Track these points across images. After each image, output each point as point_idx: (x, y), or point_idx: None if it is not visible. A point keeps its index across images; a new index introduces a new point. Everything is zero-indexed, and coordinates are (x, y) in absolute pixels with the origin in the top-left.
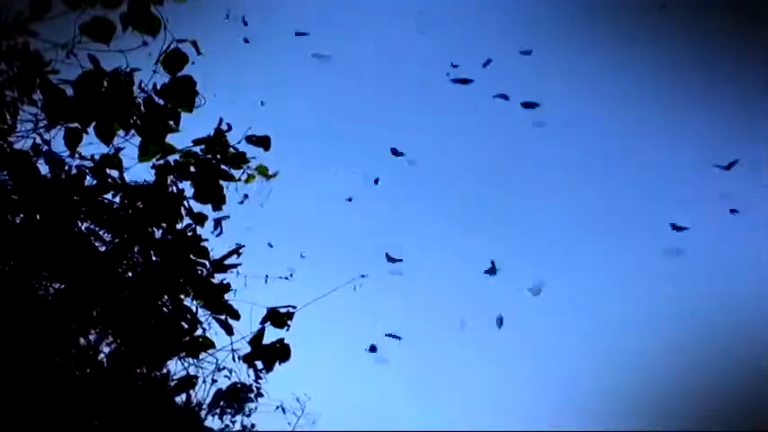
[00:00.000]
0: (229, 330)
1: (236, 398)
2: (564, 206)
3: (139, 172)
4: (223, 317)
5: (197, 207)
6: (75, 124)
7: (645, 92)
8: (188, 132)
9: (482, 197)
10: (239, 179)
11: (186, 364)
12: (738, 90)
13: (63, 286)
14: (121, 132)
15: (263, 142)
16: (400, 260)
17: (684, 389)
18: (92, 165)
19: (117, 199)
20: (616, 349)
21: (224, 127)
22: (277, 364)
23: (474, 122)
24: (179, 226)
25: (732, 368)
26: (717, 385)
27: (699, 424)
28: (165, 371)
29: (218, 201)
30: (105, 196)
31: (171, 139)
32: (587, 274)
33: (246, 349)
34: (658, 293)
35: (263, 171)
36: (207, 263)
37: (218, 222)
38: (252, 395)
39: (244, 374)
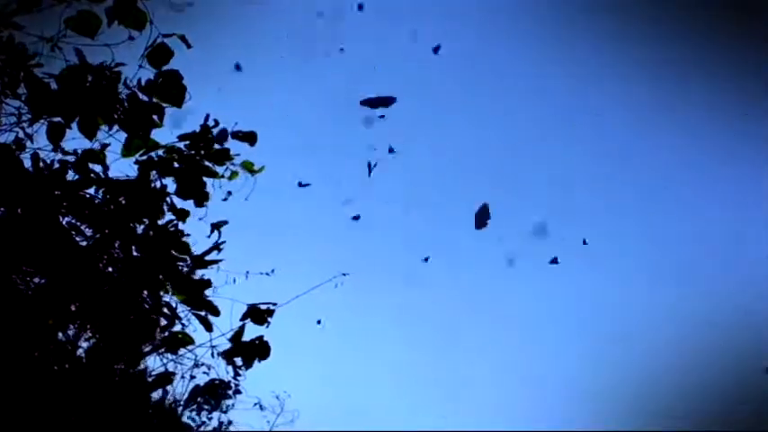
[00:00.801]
0: (208, 327)
1: (213, 394)
2: (563, 208)
3: (122, 167)
4: (203, 313)
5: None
6: (59, 118)
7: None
8: (173, 127)
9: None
10: (222, 176)
11: (165, 360)
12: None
13: (43, 281)
14: (106, 127)
15: (248, 138)
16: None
17: (684, 389)
18: (74, 159)
19: (99, 194)
20: (616, 349)
21: (210, 123)
22: (256, 361)
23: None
24: (161, 222)
25: (732, 368)
26: (717, 385)
27: (699, 424)
28: (143, 366)
29: (200, 197)
30: (87, 191)
31: (155, 133)
32: (586, 275)
33: (226, 345)
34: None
35: (248, 167)
36: (188, 258)
37: (215, 227)
38: (230, 392)
39: (222, 371)
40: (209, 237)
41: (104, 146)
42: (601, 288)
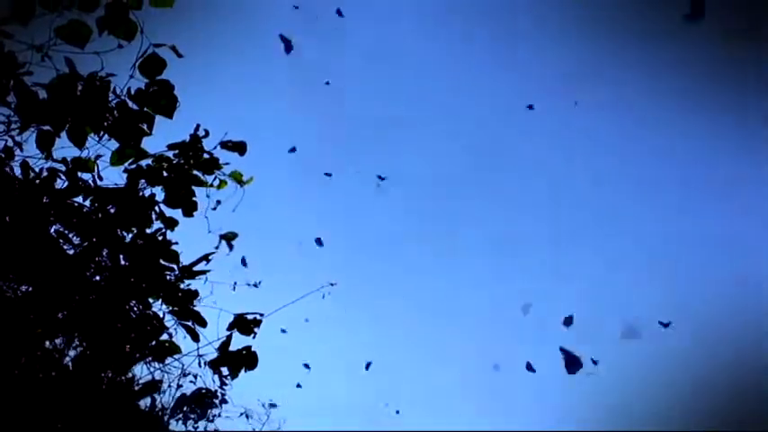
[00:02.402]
0: (195, 337)
1: (200, 403)
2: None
3: (111, 175)
4: (190, 323)
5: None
6: (48, 127)
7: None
8: (162, 136)
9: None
10: (211, 185)
11: (152, 369)
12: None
13: (30, 288)
14: (96, 136)
15: (238, 147)
16: None
17: (685, 388)
18: (64, 168)
19: (87, 202)
20: (617, 349)
21: (201, 132)
22: (243, 370)
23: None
24: (149, 230)
25: (732, 368)
26: (718, 385)
27: (699, 424)
28: (130, 375)
29: (189, 207)
30: (76, 199)
31: (145, 142)
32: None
33: (213, 354)
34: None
35: (236, 177)
36: (175, 267)
37: (224, 238)
38: (216, 401)
39: (209, 380)
40: (216, 246)
41: (97, 156)
42: (602, 289)
